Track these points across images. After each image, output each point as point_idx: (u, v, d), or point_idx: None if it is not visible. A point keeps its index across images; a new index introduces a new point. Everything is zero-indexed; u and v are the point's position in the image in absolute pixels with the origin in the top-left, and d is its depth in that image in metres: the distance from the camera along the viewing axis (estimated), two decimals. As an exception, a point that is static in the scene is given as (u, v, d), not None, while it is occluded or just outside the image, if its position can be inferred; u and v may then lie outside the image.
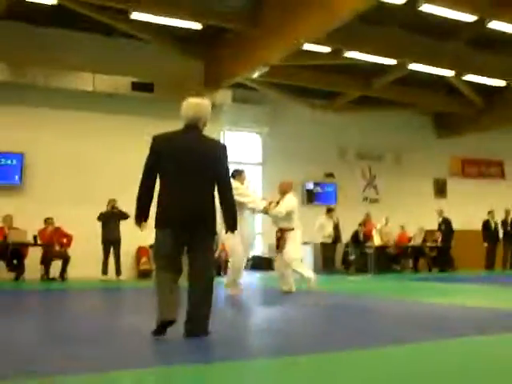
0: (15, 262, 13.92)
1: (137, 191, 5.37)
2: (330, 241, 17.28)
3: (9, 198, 14.89)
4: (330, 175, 20.70)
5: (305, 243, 18.00)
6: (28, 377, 3.70)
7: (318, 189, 20.45)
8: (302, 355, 4.49)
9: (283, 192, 10.61)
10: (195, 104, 5.52)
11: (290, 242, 10.32)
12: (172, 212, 5.25)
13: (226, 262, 16.82)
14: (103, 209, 14.47)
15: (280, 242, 10.41)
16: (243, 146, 20.26)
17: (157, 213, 5.27)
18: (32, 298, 10.61)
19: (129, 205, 12.79)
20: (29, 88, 15.18)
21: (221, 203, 5.46)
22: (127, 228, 13.97)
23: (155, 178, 5.32)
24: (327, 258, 17.29)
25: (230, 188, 5.51)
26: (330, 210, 17.67)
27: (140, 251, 15.85)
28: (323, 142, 20.31)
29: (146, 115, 16.34)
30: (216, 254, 16.06)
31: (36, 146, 15.26)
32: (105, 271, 14.40)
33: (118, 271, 14.61)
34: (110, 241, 14.42)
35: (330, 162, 20.65)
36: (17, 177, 15.21)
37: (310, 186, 20.30)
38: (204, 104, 5.55)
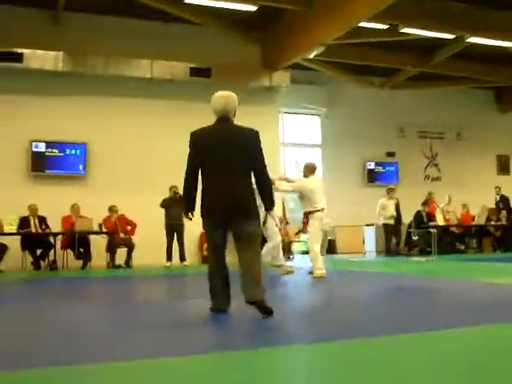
0: (82, 250, 14.16)
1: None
2: (392, 222, 17.02)
3: (74, 187, 15.19)
4: (391, 154, 20.50)
5: (367, 225, 17.96)
6: (100, 361, 3.75)
7: (380, 168, 20.31)
8: (366, 338, 4.45)
9: (305, 176, 10.50)
10: (223, 97, 5.80)
11: (309, 226, 10.27)
12: (214, 203, 5.62)
13: (289, 245, 16.94)
14: (166, 195, 14.57)
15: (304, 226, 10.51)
16: (301, 128, 20.22)
17: (201, 204, 5.64)
18: (99, 285, 10.79)
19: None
20: (89, 77, 15.40)
21: (257, 186, 5.81)
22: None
23: (198, 172, 5.75)
24: (390, 239, 17.08)
25: (265, 172, 5.79)
26: (390, 190, 17.39)
27: (203, 236, 15.88)
28: (383, 120, 20.11)
29: (204, 100, 16.34)
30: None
31: (98, 134, 15.47)
32: (169, 258, 14.46)
33: (182, 257, 14.69)
34: (174, 227, 14.48)
35: (390, 141, 20.46)
36: (81, 166, 15.48)
37: (371, 165, 20.15)
38: (231, 96, 5.84)
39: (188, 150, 5.77)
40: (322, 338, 4.55)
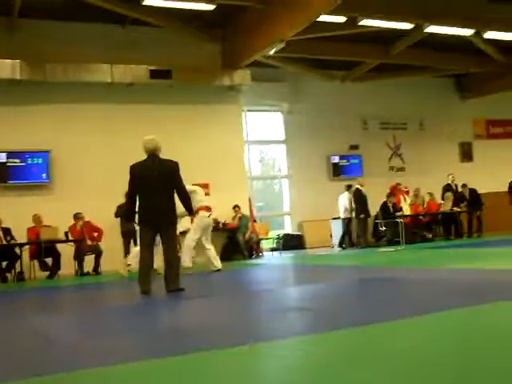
0: (51, 259, 13.95)
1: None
2: (349, 215, 17.46)
3: (38, 197, 15.00)
4: (355, 147, 20.57)
5: (334, 218, 18.02)
6: (67, 370, 3.69)
7: (344, 162, 20.39)
8: (334, 331, 4.42)
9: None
10: (152, 139, 8.27)
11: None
12: (146, 214, 8.07)
13: (258, 243, 16.96)
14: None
15: None
16: (265, 125, 20.24)
17: (139, 215, 8.22)
18: (67, 294, 10.70)
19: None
20: (48, 84, 15.23)
21: (180, 200, 8.25)
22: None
23: (136, 192, 8.12)
24: (349, 233, 17.42)
25: (184, 190, 8.27)
26: (349, 187, 17.75)
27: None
28: (346, 114, 20.19)
29: (165, 102, 16.39)
30: (247, 236, 16.23)
31: (60, 142, 15.32)
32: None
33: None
34: (130, 232, 13.78)
35: (354, 134, 20.54)
36: (44, 175, 15.29)
37: (336, 159, 20.21)
38: (156, 138, 8.30)
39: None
40: (288, 334, 4.55)
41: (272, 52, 16.09)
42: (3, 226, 13.91)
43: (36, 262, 14.02)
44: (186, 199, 8.34)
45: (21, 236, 14.08)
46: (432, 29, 16.22)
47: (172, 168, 8.15)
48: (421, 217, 18.50)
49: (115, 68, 15.73)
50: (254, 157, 20.65)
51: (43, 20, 15.42)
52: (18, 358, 4.39)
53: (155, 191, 7.97)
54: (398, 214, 17.37)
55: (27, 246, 14.07)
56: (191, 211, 8.49)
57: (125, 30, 16.23)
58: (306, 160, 19.66)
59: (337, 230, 18.00)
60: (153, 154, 8.19)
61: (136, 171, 8.14)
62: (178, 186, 8.15)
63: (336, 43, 17.42)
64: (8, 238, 13.85)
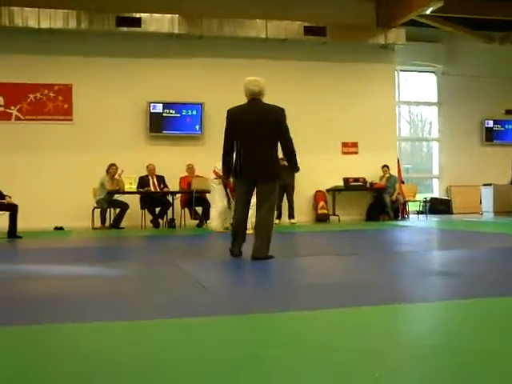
0: (198, 209, 14.47)
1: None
2: None
3: (191, 147, 15.52)
4: (511, 112, 19.81)
5: (485, 185, 17.49)
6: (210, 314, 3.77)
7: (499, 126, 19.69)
8: (475, 298, 4.40)
9: None
10: (258, 81, 7.04)
11: None
12: (243, 167, 6.95)
13: (404, 205, 16.77)
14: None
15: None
16: (418, 86, 19.87)
17: (234, 168, 7.07)
18: (212, 242, 10.97)
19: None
20: (204, 39, 15.59)
21: (283, 152, 7.13)
22: (305, 174, 14.25)
23: (233, 142, 7.05)
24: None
25: (289, 141, 7.04)
26: None
27: (317, 195, 15.96)
28: (503, 77, 19.38)
29: (318, 60, 16.39)
30: (394, 197, 16.03)
31: (213, 95, 15.57)
32: (279, 216, 14.64)
33: (291, 215, 14.86)
34: (283, 186, 14.16)
35: (510, 98, 19.74)
36: (197, 126, 15.78)
37: (490, 124, 19.54)
38: (262, 80, 7.08)
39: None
40: (432, 298, 4.59)
41: (429, 11, 15.66)
42: (157, 173, 14.54)
43: (187, 210, 14.59)
44: (291, 152, 7.09)
45: (173, 185, 14.69)
46: None
47: (278, 115, 6.99)
48: None
49: (270, 24, 15.85)
50: (404, 118, 20.37)
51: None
52: (171, 299, 4.67)
53: (255, 141, 6.93)
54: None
55: (179, 195, 14.67)
56: (295, 166, 7.18)
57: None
58: (457, 123, 19.14)
59: (487, 196, 17.50)
60: (256, 99, 7.02)
61: (235, 117, 7.10)
62: (283, 136, 6.99)
63: (496, 2, 16.68)
64: (161, 186, 14.46)
